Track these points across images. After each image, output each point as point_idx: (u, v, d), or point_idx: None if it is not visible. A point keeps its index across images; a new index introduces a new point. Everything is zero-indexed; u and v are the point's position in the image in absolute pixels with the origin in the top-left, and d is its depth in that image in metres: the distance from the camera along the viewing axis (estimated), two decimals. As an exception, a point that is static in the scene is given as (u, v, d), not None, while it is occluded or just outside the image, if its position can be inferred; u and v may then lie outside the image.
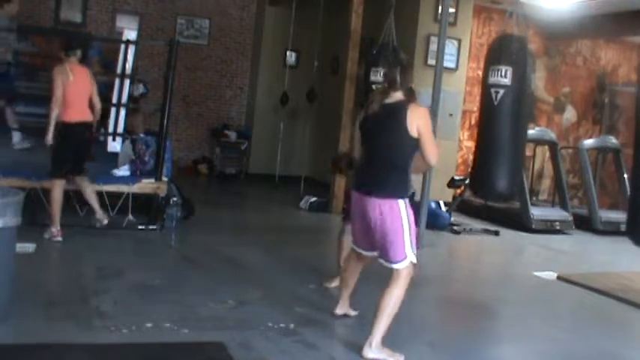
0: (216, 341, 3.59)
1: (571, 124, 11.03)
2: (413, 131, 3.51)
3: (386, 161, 3.58)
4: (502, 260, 7.28)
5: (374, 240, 3.66)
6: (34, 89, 9.07)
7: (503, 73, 4.88)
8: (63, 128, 5.48)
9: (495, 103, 4.90)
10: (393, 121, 3.55)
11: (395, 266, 3.56)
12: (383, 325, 3.53)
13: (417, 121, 3.51)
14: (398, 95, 3.63)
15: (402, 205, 3.54)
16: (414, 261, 3.58)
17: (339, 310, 4.19)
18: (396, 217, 3.52)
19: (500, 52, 4.98)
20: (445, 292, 5.14)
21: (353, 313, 4.20)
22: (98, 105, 5.79)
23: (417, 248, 3.67)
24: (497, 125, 4.93)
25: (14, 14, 7.32)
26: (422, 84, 8.00)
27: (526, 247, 7.96)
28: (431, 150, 3.57)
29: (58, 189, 5.48)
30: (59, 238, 5.45)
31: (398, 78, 3.64)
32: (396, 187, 3.57)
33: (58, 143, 5.48)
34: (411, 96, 3.62)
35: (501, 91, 4.88)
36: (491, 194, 5.46)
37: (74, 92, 5.52)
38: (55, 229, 5.44)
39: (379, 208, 3.53)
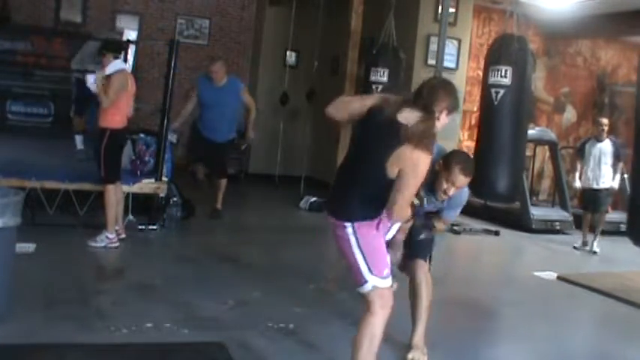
0: (216, 341, 3.59)
1: (571, 124, 11.03)
2: (391, 170, 2.81)
3: (362, 183, 2.96)
4: (502, 260, 7.28)
5: None
6: (31, 89, 9.09)
7: (503, 73, 4.88)
8: (113, 134, 5.45)
9: (495, 103, 4.89)
10: (382, 147, 2.83)
11: (359, 290, 3.05)
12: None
13: (400, 164, 2.77)
14: (410, 116, 2.82)
15: (350, 229, 2.98)
16: (381, 285, 3.00)
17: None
18: (345, 240, 3.01)
19: (500, 52, 4.98)
20: (445, 291, 5.12)
21: None
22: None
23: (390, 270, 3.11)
24: (498, 125, 4.92)
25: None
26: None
27: (526, 247, 7.96)
28: (398, 201, 2.82)
29: (112, 193, 5.47)
30: (116, 244, 5.44)
31: (430, 104, 2.82)
32: (354, 211, 2.98)
33: (110, 149, 5.45)
34: (424, 125, 2.79)
35: (501, 91, 4.87)
36: (492, 196, 5.43)
37: (127, 103, 5.56)
38: (112, 234, 5.43)
39: (335, 230, 3.05)
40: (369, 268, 3.02)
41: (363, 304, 3.07)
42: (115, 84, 5.35)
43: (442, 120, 2.87)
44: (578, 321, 5.00)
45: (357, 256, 3.03)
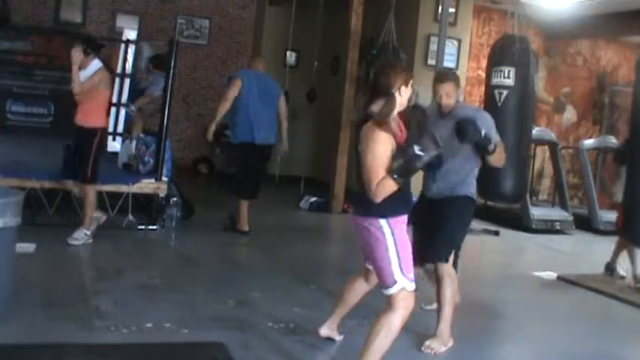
0: (216, 341, 3.59)
1: (571, 124, 11.03)
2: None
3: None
4: (502, 260, 7.28)
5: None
6: (30, 89, 9.10)
7: (506, 74, 4.89)
8: (103, 134, 5.48)
9: (499, 104, 4.90)
10: (356, 139, 3.09)
11: (386, 292, 3.07)
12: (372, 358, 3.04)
13: (362, 144, 2.97)
14: (378, 104, 3.02)
15: (384, 224, 3.02)
16: (409, 288, 3.05)
17: (324, 331, 3.74)
18: (378, 238, 3.03)
19: (502, 53, 4.98)
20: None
21: (338, 337, 3.75)
22: None
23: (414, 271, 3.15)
24: (502, 127, 4.92)
25: None
26: (422, 84, 8.00)
27: (526, 247, 7.96)
28: (366, 179, 2.94)
29: (94, 193, 5.50)
30: (91, 240, 5.46)
31: (375, 85, 3.08)
32: (375, 204, 2.97)
33: (99, 149, 5.45)
34: (387, 105, 2.98)
35: (505, 92, 4.88)
36: (499, 196, 5.42)
37: (108, 100, 5.61)
38: (88, 231, 5.44)
39: (361, 227, 3.09)
40: (401, 269, 3.04)
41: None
42: (96, 78, 5.33)
43: (404, 93, 3.05)
44: (578, 321, 5.00)
45: (389, 254, 3.03)
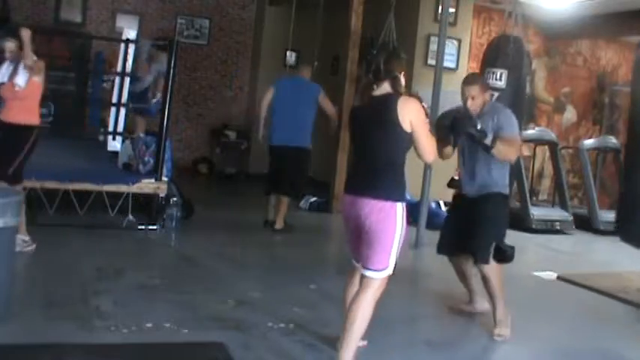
0: (216, 341, 3.59)
1: (571, 124, 11.03)
2: (405, 125, 3.20)
3: (380, 159, 3.27)
4: (502, 260, 7.27)
5: (362, 247, 3.30)
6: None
7: (498, 76, 4.92)
8: (38, 133, 5.05)
9: None
10: (383, 115, 3.24)
11: (370, 274, 3.23)
12: (355, 339, 3.21)
13: (408, 114, 3.20)
14: (385, 86, 3.32)
15: (399, 210, 3.22)
16: (390, 273, 3.27)
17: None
18: (391, 222, 3.20)
19: (496, 54, 5.00)
20: (444, 291, 5.15)
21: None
22: None
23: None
24: None
25: None
26: (422, 84, 8.02)
27: (526, 247, 7.94)
28: (426, 146, 3.27)
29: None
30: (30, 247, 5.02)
31: (382, 67, 3.32)
32: (392, 188, 3.25)
33: (32, 149, 5.04)
34: (396, 85, 3.32)
35: (496, 94, 4.89)
36: None
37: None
38: (26, 237, 4.97)
39: (372, 209, 3.20)
40: (396, 256, 3.24)
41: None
42: (40, 64, 5.06)
43: (402, 79, 3.38)
44: (577, 321, 5.00)
45: (394, 240, 3.22)
